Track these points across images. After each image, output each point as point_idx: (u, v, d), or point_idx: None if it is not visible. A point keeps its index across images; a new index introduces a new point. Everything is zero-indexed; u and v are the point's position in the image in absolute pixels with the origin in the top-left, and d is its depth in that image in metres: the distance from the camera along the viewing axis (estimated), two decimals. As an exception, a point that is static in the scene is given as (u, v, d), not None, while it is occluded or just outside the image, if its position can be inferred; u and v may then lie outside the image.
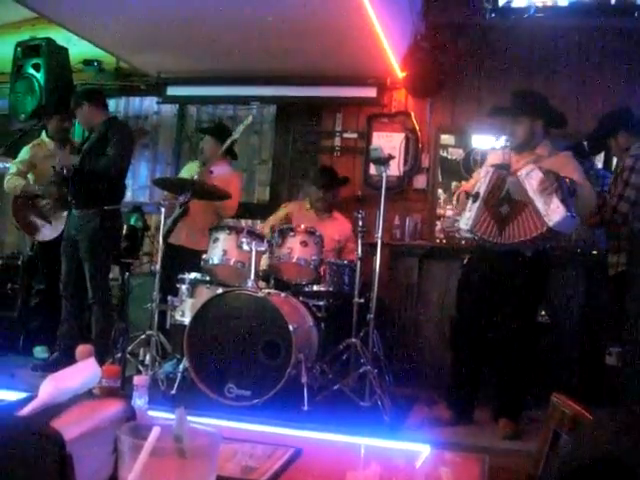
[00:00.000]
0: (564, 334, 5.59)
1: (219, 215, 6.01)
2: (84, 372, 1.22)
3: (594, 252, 5.61)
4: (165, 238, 5.34)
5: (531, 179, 4.24)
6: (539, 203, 4.21)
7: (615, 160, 6.10)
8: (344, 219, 6.05)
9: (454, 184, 6.60)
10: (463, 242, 6.04)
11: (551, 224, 4.18)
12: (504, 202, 4.34)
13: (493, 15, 6.52)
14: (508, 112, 4.65)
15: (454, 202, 4.91)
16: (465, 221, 4.39)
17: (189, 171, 6.00)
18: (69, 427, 1.02)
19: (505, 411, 4.56)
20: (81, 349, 1.40)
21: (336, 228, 5.88)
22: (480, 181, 4.42)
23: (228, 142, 5.57)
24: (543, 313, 5.48)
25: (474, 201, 4.37)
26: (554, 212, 4.18)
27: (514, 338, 4.49)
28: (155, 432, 0.89)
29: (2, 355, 5.88)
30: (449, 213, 6.60)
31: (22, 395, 1.18)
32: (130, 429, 0.95)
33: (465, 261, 4.90)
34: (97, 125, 5.52)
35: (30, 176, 6.10)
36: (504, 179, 4.36)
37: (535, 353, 4.69)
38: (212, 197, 5.59)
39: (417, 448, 1.63)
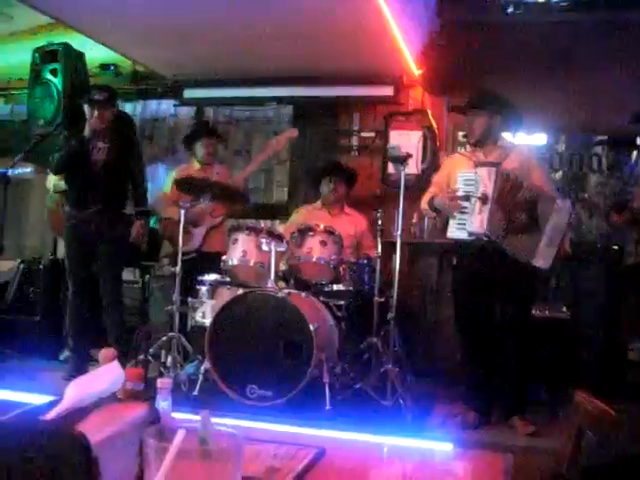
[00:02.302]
0: (586, 329, 5.56)
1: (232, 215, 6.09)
2: (108, 376, 1.23)
3: (615, 247, 5.57)
4: (200, 248, 5.66)
5: (561, 215, 4.27)
6: (545, 238, 4.27)
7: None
8: (357, 214, 6.02)
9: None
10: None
11: (534, 263, 4.33)
12: (523, 210, 4.32)
13: (510, 10, 6.50)
14: (464, 108, 4.68)
15: (427, 208, 4.81)
16: (478, 224, 4.35)
17: (188, 175, 5.97)
18: (94, 431, 1.03)
19: (513, 408, 4.55)
20: (104, 353, 1.41)
21: (351, 223, 5.85)
22: (482, 182, 4.37)
23: (269, 152, 5.84)
24: (564, 309, 5.45)
25: (484, 203, 4.34)
26: (547, 257, 4.30)
27: (510, 334, 4.48)
28: (180, 435, 0.90)
29: (26, 359, 5.92)
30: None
31: (46, 399, 1.19)
32: (155, 432, 0.95)
33: (455, 262, 4.87)
34: (108, 127, 5.48)
35: None
36: (521, 183, 4.34)
37: (535, 348, 4.68)
38: (231, 199, 5.65)
39: (440, 447, 1.63)
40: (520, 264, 4.34)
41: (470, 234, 4.42)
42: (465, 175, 4.50)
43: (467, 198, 4.42)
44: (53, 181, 6.08)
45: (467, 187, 4.44)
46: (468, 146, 4.92)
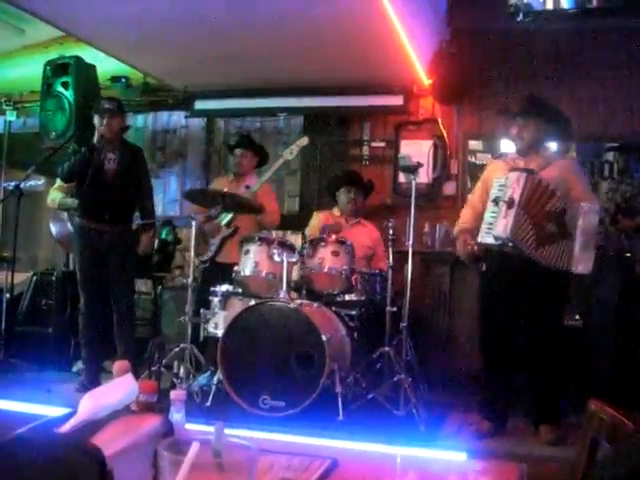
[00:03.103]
0: (598, 337, 5.53)
1: (262, 228, 6.08)
2: (122, 388, 1.24)
3: (627, 254, 5.54)
4: (214, 258, 5.66)
5: (589, 217, 4.24)
6: (578, 244, 4.23)
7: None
8: (372, 225, 6.01)
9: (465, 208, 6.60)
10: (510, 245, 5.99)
11: (574, 270, 4.28)
12: (552, 220, 4.29)
13: (519, 18, 6.51)
14: (517, 113, 4.63)
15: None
16: (502, 228, 4.33)
17: (221, 186, 5.96)
18: (109, 443, 1.04)
19: (545, 417, 4.51)
20: (119, 365, 1.41)
21: (366, 234, 5.85)
22: (510, 187, 4.37)
23: (280, 162, 5.77)
24: (577, 317, 5.42)
25: (509, 207, 4.32)
26: (585, 261, 4.25)
27: (543, 343, 4.45)
28: (194, 447, 0.90)
29: (39, 371, 5.94)
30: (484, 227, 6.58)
31: (59, 411, 1.20)
32: (169, 444, 0.95)
33: (483, 268, 4.84)
34: (117, 139, 5.52)
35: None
36: (553, 192, 4.32)
37: (567, 356, 4.65)
38: (246, 210, 5.65)
39: (453, 457, 1.63)
40: (551, 273, 4.33)
41: (495, 238, 4.40)
42: (499, 180, 4.50)
43: (496, 202, 4.41)
44: (58, 199, 6.06)
45: (499, 192, 4.44)
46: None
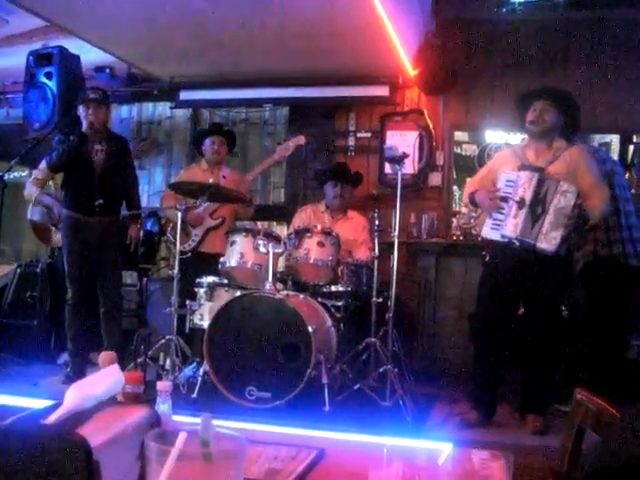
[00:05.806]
0: (583, 328, 5.55)
1: (238, 218, 6.07)
2: (108, 379, 1.23)
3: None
4: (196, 248, 5.69)
5: (563, 197, 4.24)
6: (547, 220, 4.24)
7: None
8: (359, 215, 5.98)
9: (469, 180, 6.60)
10: (480, 239, 6.00)
11: (538, 245, 4.29)
12: (539, 203, 4.32)
13: (506, 9, 6.51)
14: (538, 95, 4.53)
15: (467, 202, 4.82)
16: (512, 227, 4.36)
17: (194, 176, 5.88)
18: (95, 434, 1.03)
19: (532, 407, 4.54)
20: (104, 356, 1.41)
21: (351, 228, 5.83)
22: (521, 186, 4.38)
23: (275, 158, 5.95)
24: (563, 308, 5.44)
25: (520, 207, 4.34)
26: (549, 240, 4.25)
27: (544, 334, 4.46)
28: (182, 437, 0.90)
29: (25, 364, 5.91)
30: (464, 210, 6.58)
31: (44, 403, 1.19)
32: (156, 435, 0.95)
33: (487, 258, 4.83)
34: (103, 130, 5.51)
35: (51, 183, 6.14)
36: (544, 181, 4.34)
37: (562, 348, 4.68)
38: (230, 201, 5.64)
39: (440, 447, 1.63)
40: (554, 265, 4.35)
41: (502, 236, 4.41)
42: (507, 176, 4.48)
43: (505, 200, 4.42)
44: (35, 194, 6.01)
45: (507, 188, 4.44)
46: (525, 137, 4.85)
